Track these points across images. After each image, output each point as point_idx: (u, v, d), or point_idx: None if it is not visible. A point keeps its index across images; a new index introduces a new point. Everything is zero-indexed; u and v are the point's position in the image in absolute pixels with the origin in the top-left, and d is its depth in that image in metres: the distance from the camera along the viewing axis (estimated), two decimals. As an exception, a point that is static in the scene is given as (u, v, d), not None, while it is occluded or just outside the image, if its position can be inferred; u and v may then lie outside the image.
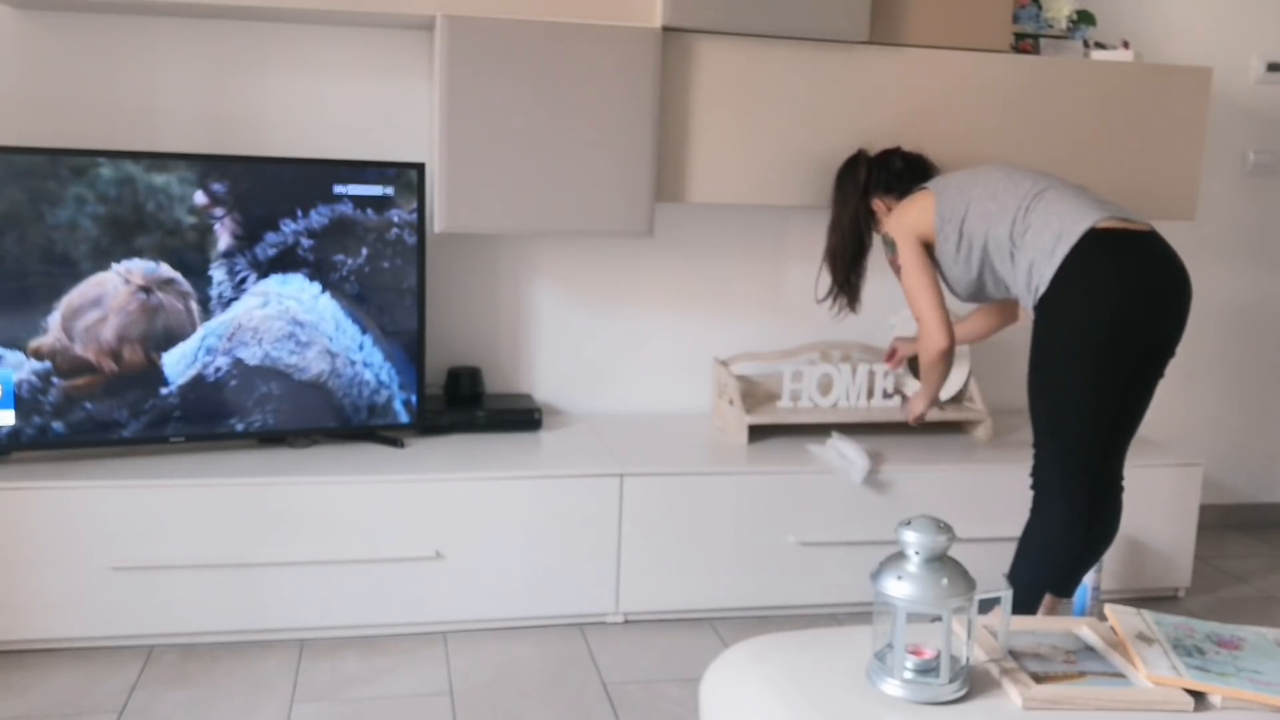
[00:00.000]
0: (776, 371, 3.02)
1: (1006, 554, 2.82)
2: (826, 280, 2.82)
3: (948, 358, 2.52)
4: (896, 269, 2.54)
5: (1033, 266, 2.27)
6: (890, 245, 2.54)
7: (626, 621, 2.74)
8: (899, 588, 1.43)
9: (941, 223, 2.45)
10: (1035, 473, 2.36)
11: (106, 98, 2.78)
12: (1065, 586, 2.34)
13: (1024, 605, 2.29)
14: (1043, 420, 2.31)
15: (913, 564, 1.44)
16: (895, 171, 2.69)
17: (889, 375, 3.02)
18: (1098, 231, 2.20)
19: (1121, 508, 2.42)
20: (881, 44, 2.83)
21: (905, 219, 2.51)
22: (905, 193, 2.63)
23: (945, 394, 3.09)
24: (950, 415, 3.05)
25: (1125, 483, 2.46)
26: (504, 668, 2.49)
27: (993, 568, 2.83)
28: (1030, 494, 2.38)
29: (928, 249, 2.50)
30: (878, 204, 2.70)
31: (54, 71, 2.75)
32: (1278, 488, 3.72)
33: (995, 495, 2.83)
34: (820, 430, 3.02)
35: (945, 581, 1.42)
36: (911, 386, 3.08)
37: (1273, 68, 3.44)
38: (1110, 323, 2.19)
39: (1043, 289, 2.25)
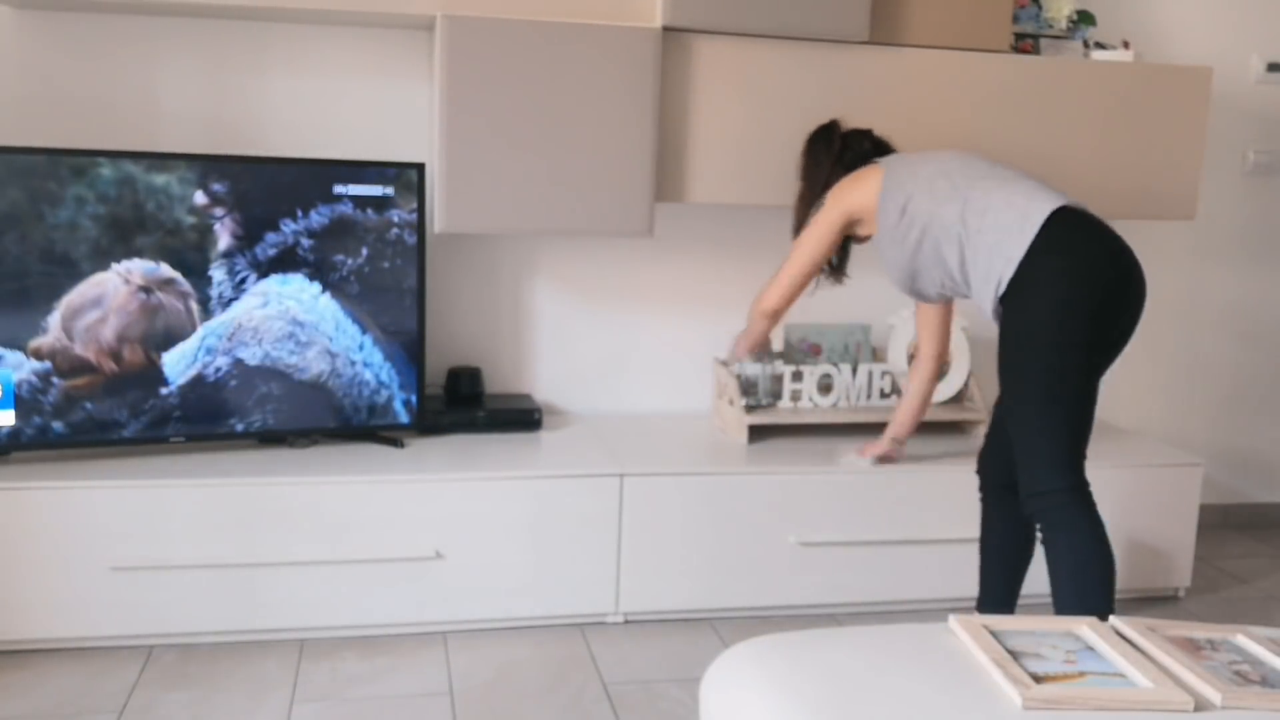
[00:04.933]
0: (777, 371, 3.02)
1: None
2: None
3: (771, 320, 2.58)
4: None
5: (995, 247, 2.15)
6: (818, 209, 2.49)
7: (626, 621, 2.74)
8: None
9: (885, 198, 2.36)
10: (1032, 492, 2.13)
11: (106, 98, 2.78)
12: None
13: None
14: (1032, 417, 2.11)
15: None
16: (862, 153, 2.58)
17: (886, 375, 3.02)
18: (1067, 210, 2.14)
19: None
20: (881, 44, 2.83)
21: (848, 192, 2.45)
22: None
23: (944, 395, 3.08)
24: (950, 415, 3.05)
25: (1124, 483, 2.45)
26: (504, 668, 2.49)
27: (993, 568, 2.83)
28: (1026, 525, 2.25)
29: (855, 239, 2.51)
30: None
31: (54, 71, 2.75)
32: (1278, 488, 3.72)
33: (995, 495, 2.82)
34: (820, 430, 3.02)
35: None
36: (846, 458, 2.82)
37: (1273, 68, 3.44)
38: (1089, 299, 2.08)
39: (1012, 268, 2.12)
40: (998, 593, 2.46)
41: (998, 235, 2.16)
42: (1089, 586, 2.09)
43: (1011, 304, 2.14)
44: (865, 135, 2.63)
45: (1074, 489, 2.11)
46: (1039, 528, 2.17)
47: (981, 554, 2.49)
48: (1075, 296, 2.09)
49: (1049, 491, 2.11)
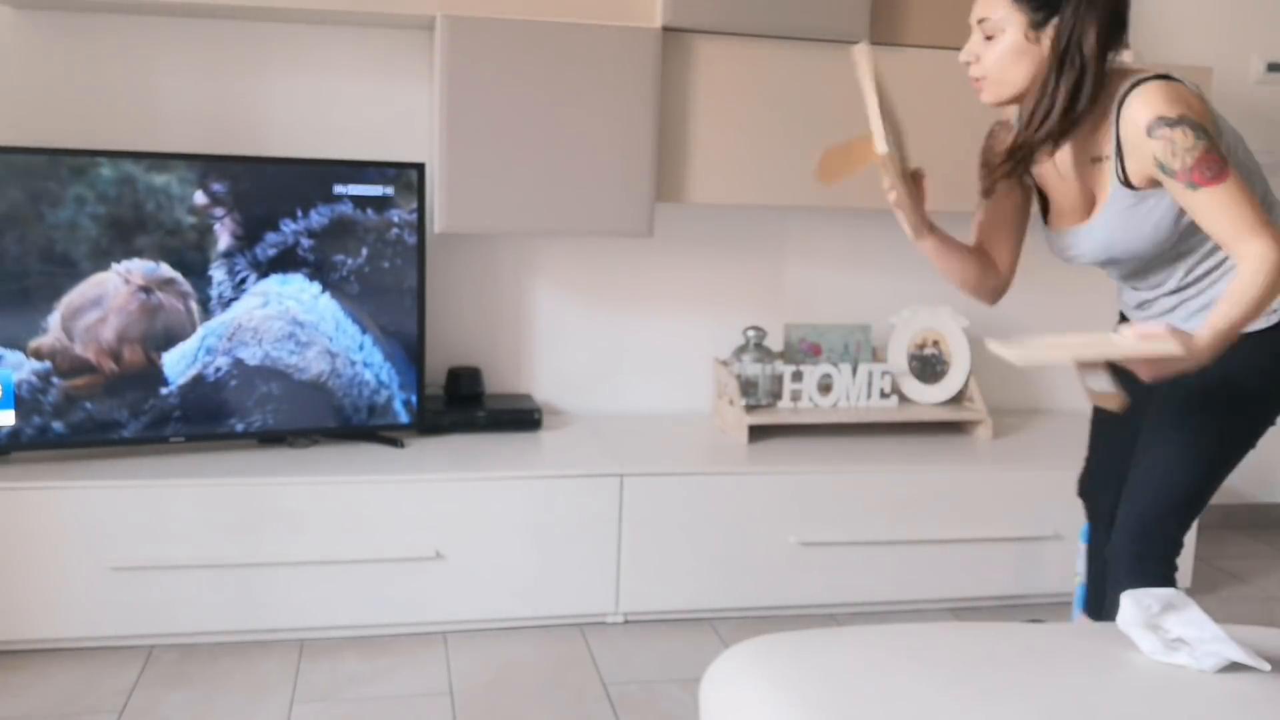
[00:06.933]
0: (777, 371, 3.02)
1: (1006, 554, 2.83)
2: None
3: None
4: (1195, 174, 1.67)
5: None
6: (1199, 132, 1.68)
7: (626, 621, 2.74)
8: None
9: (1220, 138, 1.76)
10: (1138, 532, 1.93)
11: (106, 98, 2.78)
12: None
13: None
14: (1200, 468, 1.90)
15: None
16: (1123, 23, 1.80)
17: (886, 375, 3.01)
18: None
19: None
20: (881, 44, 2.83)
21: (1196, 104, 1.73)
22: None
23: (943, 396, 3.08)
24: (950, 415, 3.05)
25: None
26: (504, 668, 2.49)
27: (991, 568, 2.83)
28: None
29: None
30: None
31: (54, 71, 2.75)
32: (1278, 488, 3.72)
33: (995, 496, 2.82)
34: (820, 430, 3.02)
35: None
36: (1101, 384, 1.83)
37: (1273, 68, 3.44)
38: None
39: None
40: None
41: None
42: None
43: (1265, 347, 1.85)
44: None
45: (1179, 550, 1.97)
46: (1125, 560, 1.97)
47: (1091, 562, 2.31)
48: None
49: (1168, 540, 1.95)
